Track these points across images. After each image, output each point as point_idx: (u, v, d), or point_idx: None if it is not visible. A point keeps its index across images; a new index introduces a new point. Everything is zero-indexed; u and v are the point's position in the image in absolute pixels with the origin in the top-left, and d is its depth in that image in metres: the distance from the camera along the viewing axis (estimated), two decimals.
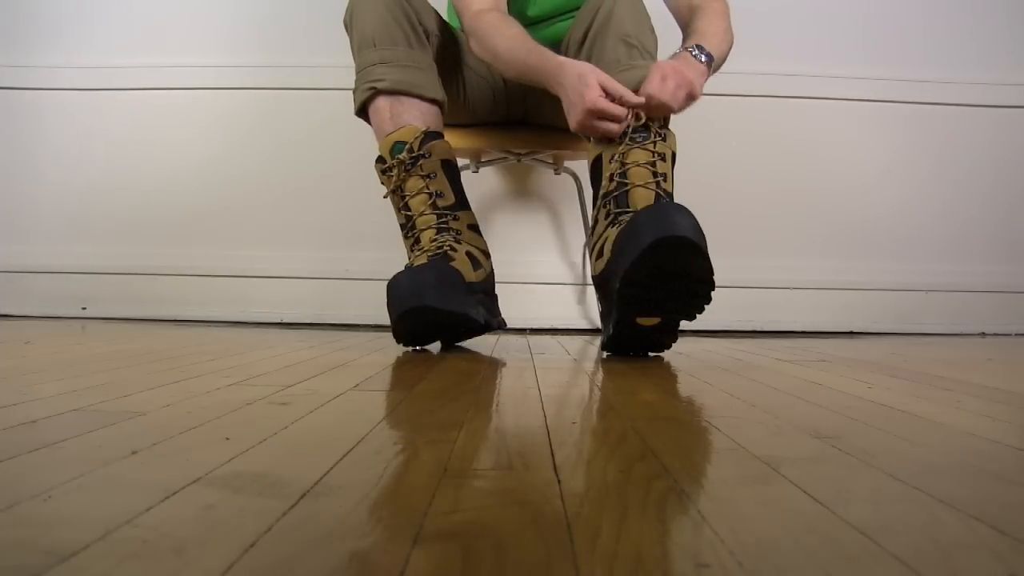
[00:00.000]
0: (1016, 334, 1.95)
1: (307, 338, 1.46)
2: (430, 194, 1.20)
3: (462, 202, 1.24)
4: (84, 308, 1.95)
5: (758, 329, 1.92)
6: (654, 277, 0.98)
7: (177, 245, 1.97)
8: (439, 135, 1.22)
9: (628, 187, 1.08)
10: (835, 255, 1.98)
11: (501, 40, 1.20)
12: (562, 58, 1.14)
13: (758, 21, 1.97)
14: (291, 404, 0.64)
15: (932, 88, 1.98)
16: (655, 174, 1.09)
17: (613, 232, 1.05)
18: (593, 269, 1.12)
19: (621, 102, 1.09)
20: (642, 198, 1.07)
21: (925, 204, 1.99)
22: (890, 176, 1.99)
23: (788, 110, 1.97)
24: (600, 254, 1.09)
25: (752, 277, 1.94)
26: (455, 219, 1.22)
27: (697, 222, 0.96)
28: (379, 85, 1.19)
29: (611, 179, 1.10)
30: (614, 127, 1.09)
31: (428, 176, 1.20)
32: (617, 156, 1.10)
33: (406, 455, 0.47)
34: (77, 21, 2.00)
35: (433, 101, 1.23)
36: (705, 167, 1.91)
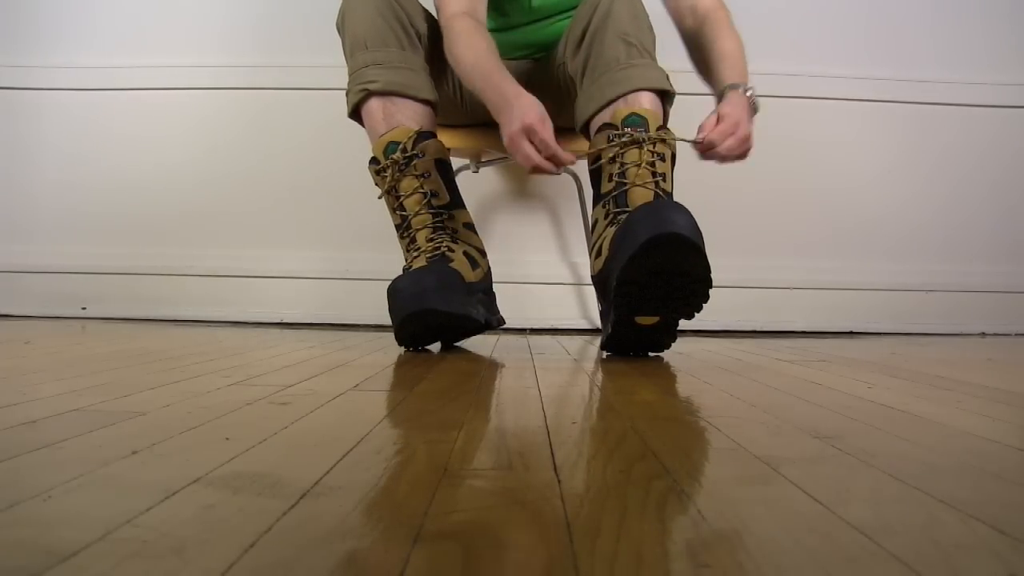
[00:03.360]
0: (1016, 334, 1.95)
1: (307, 338, 1.46)
2: (424, 194, 1.20)
3: (457, 201, 1.24)
4: (84, 308, 1.95)
5: (758, 329, 1.92)
6: (650, 275, 0.98)
7: (177, 245, 1.97)
8: (432, 135, 1.23)
9: (627, 187, 1.08)
10: (835, 255, 1.98)
11: (468, 52, 1.19)
12: (513, 93, 1.11)
13: (759, 21, 1.97)
14: (291, 404, 0.64)
15: (932, 88, 1.98)
16: (654, 174, 1.09)
17: (611, 231, 1.05)
18: (592, 268, 1.12)
19: (553, 159, 1.08)
20: (641, 197, 1.07)
21: (925, 204, 1.99)
22: (890, 176, 1.99)
23: (788, 110, 1.97)
24: (599, 253, 1.09)
25: (752, 277, 1.94)
26: (450, 218, 1.22)
27: (694, 220, 0.96)
28: (371, 87, 1.20)
29: (610, 179, 1.11)
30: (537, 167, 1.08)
31: (422, 176, 1.20)
32: (617, 156, 1.10)
33: (406, 455, 0.47)
34: (77, 21, 2.00)
35: (426, 102, 1.23)
36: (705, 167, 1.91)
